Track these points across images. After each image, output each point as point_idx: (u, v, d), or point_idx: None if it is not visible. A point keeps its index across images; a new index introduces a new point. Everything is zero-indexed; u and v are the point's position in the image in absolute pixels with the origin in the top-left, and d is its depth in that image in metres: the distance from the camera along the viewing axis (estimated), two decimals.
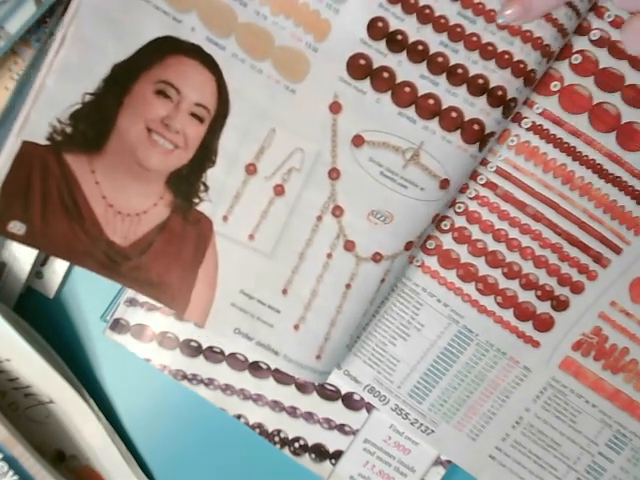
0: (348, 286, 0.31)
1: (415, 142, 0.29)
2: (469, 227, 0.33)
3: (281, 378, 0.35)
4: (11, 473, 0.32)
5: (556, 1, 0.28)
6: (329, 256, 0.30)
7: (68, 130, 0.29)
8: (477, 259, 0.33)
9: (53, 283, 0.35)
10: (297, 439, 0.36)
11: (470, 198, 0.33)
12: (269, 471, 0.36)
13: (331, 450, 0.36)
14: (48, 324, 0.35)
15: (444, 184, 0.30)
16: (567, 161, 0.32)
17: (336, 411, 0.35)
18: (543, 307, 0.33)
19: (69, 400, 0.34)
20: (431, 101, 0.29)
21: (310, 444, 0.36)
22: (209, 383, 0.35)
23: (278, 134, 0.30)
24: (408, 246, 0.31)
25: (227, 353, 0.35)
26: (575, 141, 0.32)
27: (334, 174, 0.30)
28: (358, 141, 0.29)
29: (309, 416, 0.36)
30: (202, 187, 0.30)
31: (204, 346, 0.35)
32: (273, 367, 0.34)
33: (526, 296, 0.33)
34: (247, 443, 0.36)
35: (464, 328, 0.34)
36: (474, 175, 0.33)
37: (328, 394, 0.35)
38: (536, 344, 0.34)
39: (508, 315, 0.33)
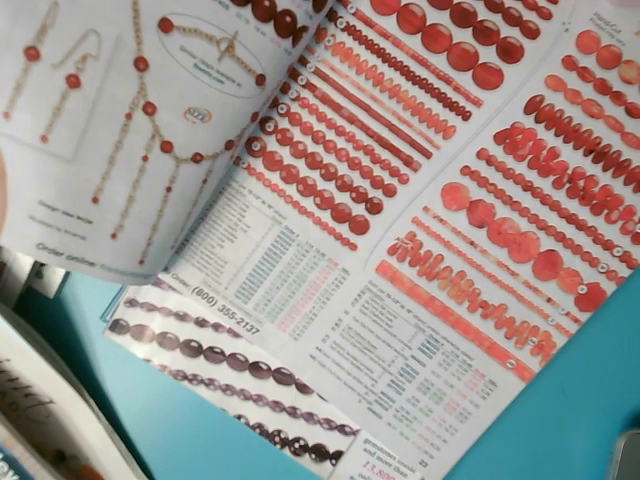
0: (169, 189, 0.29)
1: (229, 31, 0.27)
2: (291, 129, 0.33)
3: (281, 379, 0.35)
4: (11, 473, 0.32)
5: None
6: (145, 159, 0.28)
7: None
8: (298, 161, 0.33)
9: (53, 283, 0.35)
10: (297, 439, 0.36)
11: (292, 99, 0.33)
12: (269, 471, 0.36)
13: (331, 450, 0.36)
14: (48, 324, 0.35)
15: (260, 80, 0.29)
16: (377, 63, 0.32)
17: (336, 411, 0.35)
18: (358, 209, 0.34)
19: (69, 400, 0.34)
20: None
21: (310, 444, 0.36)
22: (209, 383, 0.35)
23: (63, 10, 0.24)
24: (229, 145, 0.30)
25: (227, 353, 0.35)
26: (384, 43, 0.32)
27: (141, 64, 0.26)
28: (166, 26, 0.26)
29: (309, 416, 0.36)
30: None
31: (204, 346, 0.35)
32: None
33: (342, 198, 0.34)
34: (247, 443, 0.36)
35: (286, 229, 0.34)
36: (295, 75, 0.33)
37: None
38: (353, 247, 0.34)
39: (326, 216, 0.34)
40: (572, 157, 0.33)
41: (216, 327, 0.35)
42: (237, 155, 0.33)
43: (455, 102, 0.33)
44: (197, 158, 0.29)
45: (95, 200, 0.27)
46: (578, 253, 0.33)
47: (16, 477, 0.32)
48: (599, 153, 0.33)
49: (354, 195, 0.34)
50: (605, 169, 0.33)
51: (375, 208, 0.34)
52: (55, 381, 0.33)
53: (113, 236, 0.28)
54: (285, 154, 0.34)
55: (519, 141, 0.33)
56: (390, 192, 0.34)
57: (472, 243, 0.34)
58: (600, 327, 0.35)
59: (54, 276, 0.35)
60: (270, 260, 0.34)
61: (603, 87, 0.32)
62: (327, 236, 0.34)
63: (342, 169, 0.34)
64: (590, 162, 0.33)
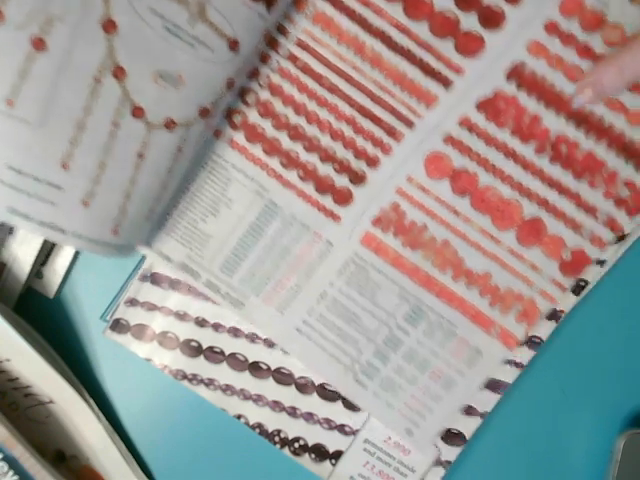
0: (141, 156, 0.29)
1: None
2: (273, 101, 0.33)
3: (281, 379, 0.35)
4: (11, 473, 0.32)
5: (625, 83, 0.30)
6: (115, 124, 0.27)
7: None
8: (280, 133, 0.33)
9: (53, 283, 0.35)
10: (297, 439, 0.36)
11: (273, 70, 0.33)
12: (269, 471, 0.36)
13: (331, 450, 0.36)
14: (48, 324, 0.35)
15: (233, 45, 0.29)
16: (359, 32, 0.32)
17: (336, 411, 0.35)
18: (341, 181, 0.34)
19: (69, 400, 0.34)
20: None
21: (310, 444, 0.36)
22: (209, 383, 0.35)
23: None
24: (203, 113, 0.30)
25: (227, 353, 0.35)
26: (366, 11, 0.32)
27: (109, 27, 0.25)
28: None
29: (309, 416, 0.36)
30: None
31: (204, 346, 0.35)
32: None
33: (325, 169, 0.33)
34: (247, 443, 0.36)
35: (269, 202, 0.34)
36: (275, 45, 0.33)
37: (328, 394, 0.35)
38: (337, 218, 0.34)
39: (309, 189, 0.34)
40: (554, 123, 0.33)
41: (216, 327, 0.35)
42: (218, 128, 0.33)
43: (436, 70, 0.32)
44: (170, 125, 0.29)
45: (65, 166, 0.27)
46: (562, 219, 0.33)
47: (16, 477, 0.32)
48: (581, 118, 0.32)
49: (337, 166, 0.34)
50: (587, 134, 0.32)
51: (359, 179, 0.34)
52: (55, 381, 0.33)
53: (84, 203, 0.28)
54: (267, 126, 0.33)
55: (501, 108, 0.33)
56: (373, 163, 0.33)
57: (456, 212, 0.33)
58: (600, 327, 0.35)
59: (54, 276, 0.35)
60: (254, 234, 0.34)
61: (586, 51, 0.32)
62: (311, 208, 0.34)
63: (325, 141, 0.33)
64: (572, 127, 0.32)
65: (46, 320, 0.35)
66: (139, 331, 0.35)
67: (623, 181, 0.33)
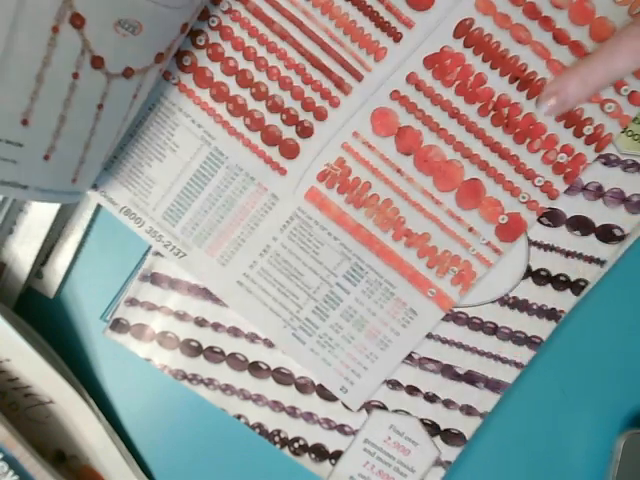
0: (100, 107, 0.28)
1: None
2: (222, 44, 0.33)
3: (281, 378, 0.35)
4: (11, 473, 0.32)
5: (588, 94, 0.31)
6: (75, 76, 0.26)
7: None
8: (229, 78, 0.33)
9: (53, 283, 0.35)
10: (297, 439, 0.36)
11: (223, 12, 0.32)
12: (269, 471, 0.36)
13: (331, 450, 0.36)
14: (48, 324, 0.35)
15: None
16: None
17: (336, 411, 0.35)
18: (288, 132, 0.33)
19: (69, 400, 0.34)
20: None
21: (310, 444, 0.36)
22: (209, 383, 0.35)
23: None
24: (159, 58, 0.29)
25: (227, 353, 0.35)
26: None
27: None
28: None
29: (309, 416, 0.36)
30: None
31: (204, 346, 0.35)
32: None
33: (272, 119, 0.33)
34: (247, 443, 0.36)
35: (215, 150, 0.33)
36: None
37: (328, 394, 0.35)
38: (283, 171, 0.34)
39: (256, 138, 0.33)
40: (498, 84, 0.32)
41: (216, 327, 0.35)
42: (167, 70, 0.33)
43: (387, 22, 0.32)
44: (128, 73, 0.28)
45: (25, 122, 0.26)
46: (500, 182, 0.33)
47: (16, 477, 0.32)
48: (524, 80, 0.32)
49: (285, 117, 0.33)
50: (529, 97, 0.32)
51: (305, 132, 0.33)
52: (55, 381, 0.33)
53: (45, 157, 0.27)
54: (216, 70, 0.33)
55: (448, 66, 0.32)
56: (321, 115, 0.33)
57: (399, 170, 0.33)
58: (600, 327, 0.35)
59: (54, 276, 0.35)
60: (199, 182, 0.34)
61: (532, 11, 0.32)
62: (257, 159, 0.34)
63: (273, 89, 0.33)
64: (515, 89, 0.32)
65: (46, 320, 0.35)
66: (139, 331, 0.35)
67: (562, 147, 0.33)
